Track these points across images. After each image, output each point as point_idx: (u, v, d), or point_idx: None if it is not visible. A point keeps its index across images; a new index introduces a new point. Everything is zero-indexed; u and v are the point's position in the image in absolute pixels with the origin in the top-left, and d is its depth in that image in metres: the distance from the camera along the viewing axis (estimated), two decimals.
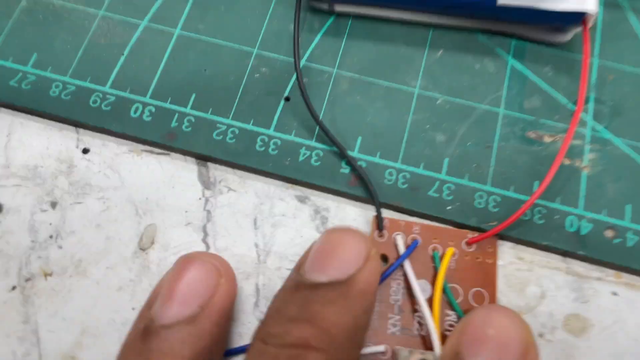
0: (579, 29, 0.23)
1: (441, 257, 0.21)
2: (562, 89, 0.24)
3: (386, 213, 0.22)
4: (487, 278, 0.21)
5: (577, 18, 0.22)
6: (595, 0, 0.21)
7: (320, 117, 0.23)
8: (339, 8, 0.24)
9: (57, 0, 0.25)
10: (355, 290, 0.16)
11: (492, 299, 0.20)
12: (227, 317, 0.18)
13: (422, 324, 0.20)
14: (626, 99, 0.23)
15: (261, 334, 0.16)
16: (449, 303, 0.20)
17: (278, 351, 0.15)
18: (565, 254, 0.21)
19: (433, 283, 0.20)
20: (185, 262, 0.18)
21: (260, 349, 0.16)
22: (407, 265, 0.20)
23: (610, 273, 0.21)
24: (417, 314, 0.20)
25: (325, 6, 0.24)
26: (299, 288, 0.16)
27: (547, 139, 0.23)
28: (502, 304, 0.21)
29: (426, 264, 0.21)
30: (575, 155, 0.22)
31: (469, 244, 0.21)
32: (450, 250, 0.21)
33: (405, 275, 0.20)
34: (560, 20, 0.22)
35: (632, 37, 0.25)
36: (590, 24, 0.22)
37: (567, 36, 0.23)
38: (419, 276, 0.20)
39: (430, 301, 0.20)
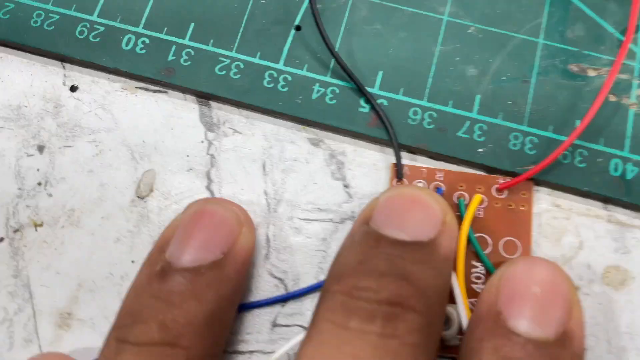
0: None
1: (467, 205, 0.19)
2: (609, 16, 0.21)
3: (410, 157, 0.20)
4: (520, 227, 0.19)
5: None
6: None
7: (337, 49, 0.20)
8: None
9: None
10: (440, 254, 0.15)
11: (526, 250, 0.19)
12: (248, 268, 0.17)
13: None
14: None
15: (343, 286, 0.14)
16: (475, 254, 0.18)
17: (373, 307, 0.14)
18: (607, 200, 0.19)
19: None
20: (203, 206, 0.17)
21: (347, 303, 0.14)
22: None
23: None
24: None
25: None
26: (380, 242, 0.15)
27: (591, 73, 0.20)
28: (536, 255, 0.19)
29: (453, 213, 0.19)
30: (622, 91, 0.20)
31: (499, 189, 0.19)
32: (477, 197, 0.19)
33: None
34: None
35: None
36: None
37: None
38: None
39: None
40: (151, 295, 0.15)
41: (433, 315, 0.15)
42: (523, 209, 0.19)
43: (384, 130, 0.20)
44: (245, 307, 0.18)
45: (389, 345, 0.13)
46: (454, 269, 0.17)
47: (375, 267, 0.14)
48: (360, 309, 0.14)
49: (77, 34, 0.21)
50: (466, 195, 0.19)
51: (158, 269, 0.16)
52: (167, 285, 0.15)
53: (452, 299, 0.17)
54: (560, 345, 0.14)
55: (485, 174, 0.19)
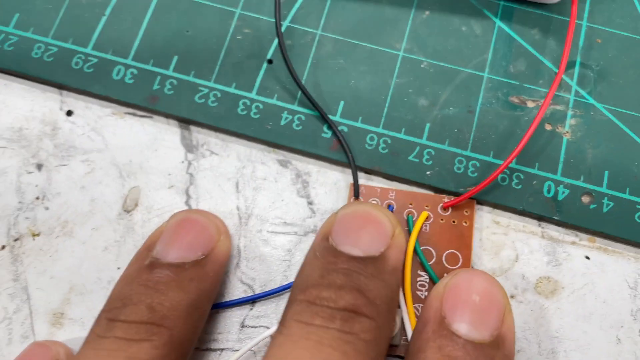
0: None
1: (415, 221, 0.21)
2: (548, 53, 0.23)
3: (367, 178, 0.22)
4: (462, 240, 0.21)
5: None
6: None
7: (303, 80, 0.23)
8: None
9: None
10: (388, 266, 0.17)
11: (467, 261, 0.21)
12: (223, 272, 0.20)
13: None
14: (612, 64, 0.23)
15: (307, 295, 0.17)
16: (421, 264, 0.21)
17: (333, 312, 0.16)
18: (541, 218, 0.22)
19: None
20: (188, 215, 0.19)
21: (311, 307, 0.16)
22: None
23: (584, 237, 0.22)
24: None
25: None
26: (338, 258, 0.17)
27: (530, 104, 0.23)
28: (476, 266, 0.21)
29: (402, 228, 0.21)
30: (557, 120, 0.22)
31: (444, 207, 0.21)
32: (424, 214, 0.21)
33: None
34: None
35: None
36: None
37: None
38: None
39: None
40: (140, 284, 0.17)
41: (383, 319, 0.17)
42: (465, 225, 0.21)
43: (344, 154, 0.22)
44: (219, 306, 0.21)
45: (347, 338, 0.16)
46: (402, 277, 0.20)
47: (334, 281, 0.17)
48: (322, 312, 0.16)
49: (73, 64, 0.23)
50: (414, 212, 0.21)
51: (147, 263, 0.18)
52: (154, 275, 0.17)
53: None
54: (495, 346, 0.16)
55: (433, 194, 0.22)
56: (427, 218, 0.21)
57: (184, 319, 0.17)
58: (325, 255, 0.17)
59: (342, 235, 0.18)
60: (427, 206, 0.21)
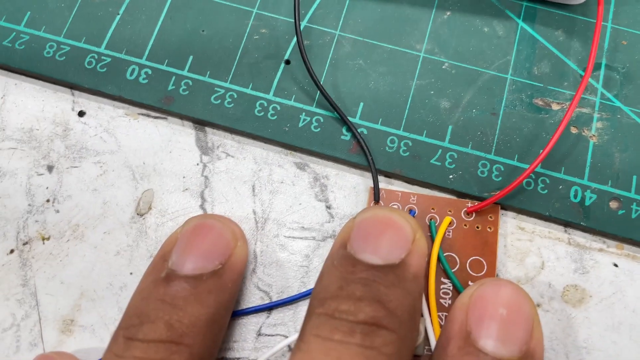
0: None
1: (438, 226, 0.20)
2: (572, 54, 0.23)
3: (387, 181, 0.21)
4: (486, 247, 0.20)
5: None
6: None
7: (322, 81, 0.22)
8: None
9: None
10: (410, 273, 0.16)
11: (491, 268, 0.20)
12: (241, 280, 0.19)
13: None
14: (638, 66, 0.23)
15: (326, 308, 0.16)
16: (444, 271, 0.20)
17: (352, 326, 0.15)
18: (567, 224, 0.21)
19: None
20: (203, 221, 0.18)
21: (330, 322, 0.16)
22: None
23: (612, 244, 0.21)
24: None
25: None
26: (356, 267, 0.16)
27: (555, 107, 0.22)
28: (501, 274, 0.20)
29: (424, 233, 0.20)
30: (583, 123, 0.22)
31: (468, 212, 0.21)
32: (447, 219, 0.20)
33: None
34: None
35: None
36: None
37: None
38: None
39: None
40: (157, 299, 0.17)
41: (405, 330, 0.16)
42: (490, 230, 0.21)
43: (364, 157, 0.21)
44: (235, 314, 0.20)
45: (368, 353, 0.15)
46: (426, 284, 0.19)
47: (353, 292, 0.16)
48: (342, 326, 0.15)
49: (85, 64, 0.22)
50: (437, 217, 0.21)
51: (163, 275, 0.17)
52: (172, 290, 0.17)
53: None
54: None
55: (455, 198, 0.21)
56: (450, 223, 0.20)
57: (204, 334, 0.17)
58: (344, 263, 0.17)
59: (360, 242, 0.17)
60: (450, 211, 0.21)
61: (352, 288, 0.16)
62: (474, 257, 0.20)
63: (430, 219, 0.21)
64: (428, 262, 0.20)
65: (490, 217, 0.21)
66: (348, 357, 0.15)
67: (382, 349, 0.15)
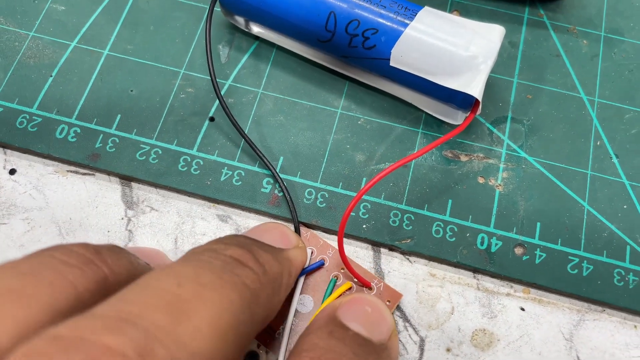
0: (467, 114, 0.22)
1: (335, 286, 0.21)
2: (484, 109, 0.24)
3: (305, 232, 0.22)
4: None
5: (466, 103, 0.22)
6: (481, 87, 0.21)
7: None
8: (255, 28, 0.25)
9: None
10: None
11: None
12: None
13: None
14: (542, 118, 0.24)
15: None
16: None
17: None
18: (476, 270, 0.22)
19: (317, 301, 0.21)
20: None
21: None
22: (301, 279, 0.21)
23: (519, 289, 0.22)
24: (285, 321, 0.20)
25: (242, 21, 0.25)
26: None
27: (463, 158, 0.23)
28: (412, 319, 0.21)
29: (324, 284, 0.21)
30: (489, 173, 0.23)
31: (368, 287, 0.21)
32: (347, 284, 0.21)
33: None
34: (451, 98, 0.22)
35: (554, 56, 0.25)
36: (478, 112, 0.22)
37: (459, 120, 0.23)
38: (310, 292, 0.21)
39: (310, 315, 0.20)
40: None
41: None
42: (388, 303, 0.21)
43: (282, 209, 0.22)
44: None
45: None
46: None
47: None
48: None
49: (17, 124, 0.23)
50: (341, 276, 0.21)
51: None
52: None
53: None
54: (381, 349, 0.17)
55: (366, 269, 0.21)
56: (350, 289, 0.21)
57: None
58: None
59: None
60: (355, 280, 0.21)
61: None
62: None
63: (335, 277, 0.21)
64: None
65: (388, 301, 0.21)
66: None
67: None
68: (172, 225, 0.23)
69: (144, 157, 0.23)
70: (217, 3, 0.24)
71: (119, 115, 0.24)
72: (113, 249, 0.16)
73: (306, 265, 0.21)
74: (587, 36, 0.26)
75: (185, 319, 0.13)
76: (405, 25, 0.21)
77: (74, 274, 0.14)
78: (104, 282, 0.15)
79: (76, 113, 0.24)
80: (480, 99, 0.21)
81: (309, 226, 0.22)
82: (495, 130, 0.24)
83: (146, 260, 0.18)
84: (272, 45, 0.25)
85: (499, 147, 0.24)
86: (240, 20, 0.25)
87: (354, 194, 0.23)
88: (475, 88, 0.21)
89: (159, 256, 0.19)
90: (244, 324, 0.14)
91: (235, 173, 0.23)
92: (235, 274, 0.15)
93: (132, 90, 0.24)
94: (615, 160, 0.23)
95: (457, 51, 0.21)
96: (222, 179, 0.23)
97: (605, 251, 0.22)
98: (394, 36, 0.21)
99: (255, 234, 0.19)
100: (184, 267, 0.14)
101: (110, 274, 0.15)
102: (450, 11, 0.26)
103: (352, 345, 0.16)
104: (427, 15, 0.22)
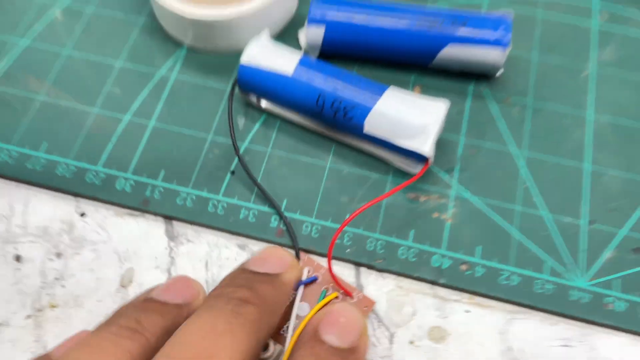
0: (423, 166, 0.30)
1: (326, 296, 0.28)
2: (437, 158, 0.32)
3: (303, 255, 0.30)
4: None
5: (421, 158, 0.29)
6: (431, 145, 0.29)
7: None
8: (264, 104, 0.33)
9: (64, 101, 0.34)
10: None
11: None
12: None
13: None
14: (483, 168, 0.32)
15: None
16: None
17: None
18: (432, 282, 0.29)
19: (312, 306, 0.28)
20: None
21: None
22: (301, 289, 0.28)
23: (465, 296, 0.29)
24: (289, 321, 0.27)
25: (254, 99, 0.33)
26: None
27: (422, 198, 0.31)
28: (384, 320, 0.28)
29: (317, 294, 0.28)
30: (442, 210, 0.31)
31: (350, 296, 0.28)
32: (333, 294, 0.28)
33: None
34: (411, 155, 0.30)
35: (491, 121, 0.33)
36: (431, 163, 0.30)
37: (417, 170, 0.30)
38: (307, 299, 0.28)
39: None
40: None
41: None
42: (366, 308, 0.28)
43: (286, 239, 0.30)
44: None
45: None
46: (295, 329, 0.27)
47: None
48: None
49: (87, 179, 0.31)
50: (330, 290, 0.28)
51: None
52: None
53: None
54: (351, 352, 0.22)
55: (348, 286, 0.28)
56: (336, 297, 0.28)
57: None
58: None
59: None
60: (340, 290, 0.28)
61: None
62: None
63: (325, 289, 0.28)
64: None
65: (366, 307, 0.28)
66: None
67: None
68: (204, 253, 0.30)
69: (182, 202, 0.31)
70: (237, 86, 0.32)
71: (163, 171, 0.32)
72: (146, 309, 0.22)
73: (304, 279, 0.28)
74: (518, 103, 0.34)
75: None
76: (375, 101, 0.30)
77: (127, 344, 0.20)
78: (147, 343, 0.21)
79: (131, 169, 0.32)
80: (430, 155, 0.29)
81: (306, 251, 0.30)
82: (446, 178, 0.32)
83: (176, 294, 0.24)
84: (277, 116, 0.33)
85: (450, 190, 0.31)
86: (253, 98, 0.33)
87: (338, 226, 0.30)
88: (426, 147, 0.29)
89: (187, 284, 0.25)
90: (253, 347, 0.21)
91: (251, 212, 0.31)
92: (241, 314, 0.21)
93: (172, 152, 0.32)
94: (536, 199, 0.31)
95: (412, 120, 0.29)
96: (241, 217, 0.30)
97: (530, 267, 0.29)
98: (366, 110, 0.30)
99: (256, 263, 0.25)
100: (204, 321, 0.21)
101: (150, 336, 0.21)
102: (414, 87, 0.35)
103: (327, 357, 0.21)
104: (392, 93, 0.30)
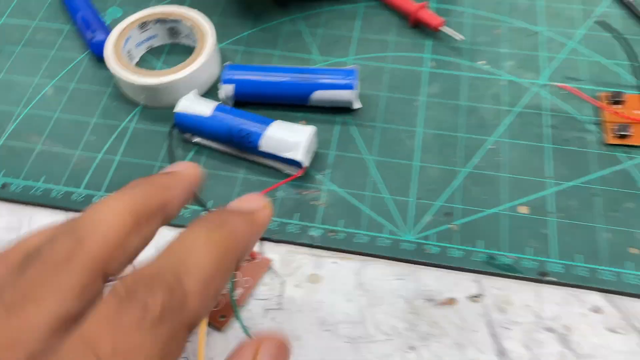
0: (300, 168, 0.45)
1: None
2: (315, 167, 0.47)
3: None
4: (256, 270, 0.42)
5: (298, 164, 0.44)
6: (303, 155, 0.43)
7: None
8: (194, 139, 0.48)
9: (55, 148, 0.48)
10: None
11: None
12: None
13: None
14: (346, 170, 0.47)
15: None
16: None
17: None
18: (310, 246, 0.43)
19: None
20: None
21: None
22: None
23: (332, 253, 0.43)
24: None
25: (188, 136, 0.48)
26: None
27: (304, 193, 0.45)
28: (279, 272, 0.42)
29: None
30: (317, 199, 0.45)
31: (253, 257, 0.42)
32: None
33: None
34: (292, 162, 0.44)
35: (352, 139, 0.48)
36: (306, 166, 0.45)
37: (295, 172, 0.46)
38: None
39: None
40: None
41: None
42: (266, 265, 0.42)
43: None
44: None
45: None
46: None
47: None
48: None
49: (72, 198, 0.45)
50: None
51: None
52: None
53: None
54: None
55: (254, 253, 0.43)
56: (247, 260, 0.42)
57: None
58: None
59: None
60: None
61: None
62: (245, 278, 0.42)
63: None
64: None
65: (266, 265, 0.42)
66: None
67: None
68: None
69: None
70: (175, 128, 0.47)
71: None
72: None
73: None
74: (370, 126, 0.49)
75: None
76: (265, 129, 0.45)
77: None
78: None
79: (103, 189, 0.46)
80: (304, 161, 0.43)
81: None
82: (321, 178, 0.46)
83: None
84: (204, 146, 0.48)
85: (323, 185, 0.46)
86: (187, 136, 0.48)
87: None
88: (299, 156, 0.44)
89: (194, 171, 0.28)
90: (235, 250, 0.23)
91: (185, 213, 0.45)
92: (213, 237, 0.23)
93: (132, 176, 0.46)
94: (380, 186, 0.46)
95: (289, 139, 0.44)
96: (186, 217, 0.44)
97: (375, 230, 0.43)
98: (260, 135, 0.44)
99: (232, 205, 0.27)
100: (184, 236, 0.23)
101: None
102: (300, 120, 0.50)
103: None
104: (276, 124, 0.45)
